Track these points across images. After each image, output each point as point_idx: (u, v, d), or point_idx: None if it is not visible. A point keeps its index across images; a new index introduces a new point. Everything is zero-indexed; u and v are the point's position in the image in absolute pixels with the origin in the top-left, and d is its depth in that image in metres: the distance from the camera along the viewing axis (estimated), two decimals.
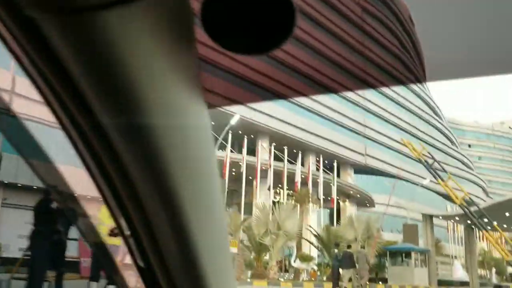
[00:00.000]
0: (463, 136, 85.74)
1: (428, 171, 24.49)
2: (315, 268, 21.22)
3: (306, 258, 20.30)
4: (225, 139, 28.99)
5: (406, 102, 61.07)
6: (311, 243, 23.23)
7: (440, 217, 24.57)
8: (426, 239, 23.71)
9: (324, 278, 19.31)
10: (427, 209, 54.20)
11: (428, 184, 51.86)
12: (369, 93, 53.86)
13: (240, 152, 31.04)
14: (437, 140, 65.26)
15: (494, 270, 29.01)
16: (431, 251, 23.22)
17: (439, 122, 68.32)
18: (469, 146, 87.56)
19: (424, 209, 52.17)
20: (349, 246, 16.47)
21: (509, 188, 70.50)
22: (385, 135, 54.11)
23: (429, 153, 27.31)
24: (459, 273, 27.14)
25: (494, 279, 30.44)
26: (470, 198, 24.79)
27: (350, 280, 15.32)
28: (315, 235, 23.42)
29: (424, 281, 22.37)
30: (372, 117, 53.93)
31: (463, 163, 71.19)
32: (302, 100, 43.61)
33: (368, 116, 53.35)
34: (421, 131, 60.75)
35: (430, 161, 23.90)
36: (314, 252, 26.89)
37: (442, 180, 23.23)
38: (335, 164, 36.74)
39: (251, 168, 29.51)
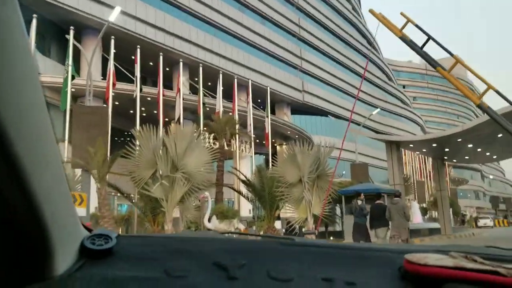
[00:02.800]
0: (397, 77, 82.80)
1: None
2: (242, 227, 14.70)
3: (227, 215, 13.67)
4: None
5: (344, 33, 54.98)
6: (237, 191, 16.50)
7: (411, 145, 18.90)
8: (392, 176, 18.19)
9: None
10: (372, 151, 50.61)
11: (373, 124, 47.86)
12: (304, 22, 46.99)
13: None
14: (376, 76, 60.67)
15: (451, 210, 24.27)
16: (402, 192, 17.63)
17: (377, 57, 63.55)
18: (404, 87, 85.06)
19: (370, 152, 48.76)
20: (379, 196, 13.05)
21: (444, 126, 68.73)
22: (323, 69, 47.88)
23: None
24: (418, 218, 21.85)
25: (452, 222, 25.93)
26: None
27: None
28: (243, 181, 16.34)
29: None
30: (308, 48, 47.33)
31: (401, 101, 67.99)
32: (227, 23, 35.77)
33: (305, 48, 46.69)
34: (359, 66, 55.39)
35: None
36: (247, 207, 20.41)
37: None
38: (268, 101, 29.71)
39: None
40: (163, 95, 22.01)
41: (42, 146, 0.55)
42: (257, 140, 29.59)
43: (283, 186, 13.13)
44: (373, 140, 54.31)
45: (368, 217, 11.87)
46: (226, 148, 23.02)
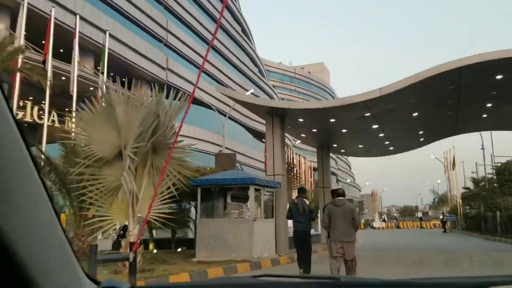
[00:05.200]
0: (268, 77, 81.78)
1: None
2: None
3: None
4: None
5: (218, 14, 50.24)
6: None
7: (300, 119, 14.32)
8: (272, 161, 13.55)
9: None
10: (243, 147, 46.80)
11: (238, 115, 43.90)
12: None
13: None
14: (248, 68, 57.45)
15: None
16: (283, 185, 13.06)
17: (251, 48, 60.50)
18: (273, 87, 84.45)
19: (234, 145, 44.87)
20: (301, 189, 9.81)
21: None
22: (192, 48, 42.31)
23: None
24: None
25: None
26: None
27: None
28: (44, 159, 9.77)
29: (271, 249, 12.16)
30: (176, 22, 41.30)
31: (272, 98, 66.17)
32: None
33: (172, 20, 40.52)
34: (232, 53, 51.30)
35: None
36: None
37: None
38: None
39: None
40: None
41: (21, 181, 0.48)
42: None
43: (90, 164, 7.21)
44: (248, 139, 51.13)
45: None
46: None
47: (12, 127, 0.46)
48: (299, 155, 61.75)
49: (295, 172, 16.89)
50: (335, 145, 19.51)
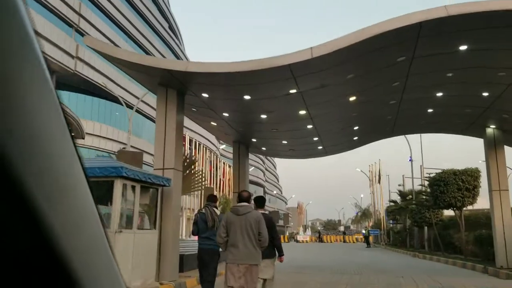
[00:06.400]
0: None
1: None
2: None
3: None
4: None
5: (144, 8, 45.63)
6: None
7: (204, 95, 10.28)
8: (162, 148, 9.43)
9: None
10: (146, 143, 41.95)
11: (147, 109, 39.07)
12: None
13: None
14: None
15: None
16: (173, 186, 9.00)
17: (179, 48, 56.10)
18: None
19: (144, 143, 40.08)
20: (211, 196, 7.81)
21: None
22: (107, 37, 37.08)
23: None
24: None
25: None
26: None
27: None
28: None
29: (149, 274, 8.03)
30: (91, 6, 36.07)
31: None
32: None
33: (86, 3, 35.26)
34: (157, 50, 46.65)
35: None
36: None
37: None
38: None
39: None
40: None
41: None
42: None
43: None
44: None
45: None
46: None
47: (64, 125, 0.44)
48: (223, 163, 58.08)
49: (196, 169, 12.84)
50: (254, 140, 15.93)
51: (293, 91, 10.19)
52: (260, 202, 6.75)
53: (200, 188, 14.77)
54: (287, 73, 9.04)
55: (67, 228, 0.43)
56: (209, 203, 7.46)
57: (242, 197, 5.80)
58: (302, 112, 11.89)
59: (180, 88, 10.43)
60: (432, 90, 11.92)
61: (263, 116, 12.30)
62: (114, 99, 32.29)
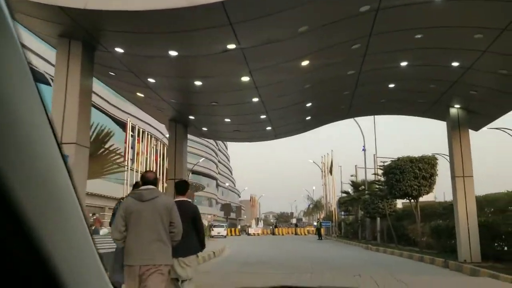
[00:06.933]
0: None
1: None
2: None
3: None
4: None
5: None
6: None
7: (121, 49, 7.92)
8: (62, 108, 7.34)
9: None
10: None
11: None
12: None
13: None
14: None
15: None
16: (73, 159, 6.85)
17: None
18: None
19: None
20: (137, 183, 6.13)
21: None
22: None
23: None
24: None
25: None
26: None
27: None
28: None
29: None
30: None
31: None
32: None
33: None
34: None
35: None
36: None
37: None
38: None
39: None
40: None
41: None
42: None
43: None
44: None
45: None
46: None
47: (49, 132, 0.45)
48: None
49: (109, 146, 10.36)
50: (192, 118, 13.66)
51: (231, 46, 8.06)
52: (181, 187, 5.51)
53: (117, 171, 12.39)
54: (222, 17, 6.90)
55: (54, 231, 0.44)
56: (135, 190, 5.66)
57: (147, 178, 4.49)
58: (245, 78, 9.80)
59: (86, 39, 8.01)
60: (396, 57, 10.24)
61: (198, 83, 10.08)
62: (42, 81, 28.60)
